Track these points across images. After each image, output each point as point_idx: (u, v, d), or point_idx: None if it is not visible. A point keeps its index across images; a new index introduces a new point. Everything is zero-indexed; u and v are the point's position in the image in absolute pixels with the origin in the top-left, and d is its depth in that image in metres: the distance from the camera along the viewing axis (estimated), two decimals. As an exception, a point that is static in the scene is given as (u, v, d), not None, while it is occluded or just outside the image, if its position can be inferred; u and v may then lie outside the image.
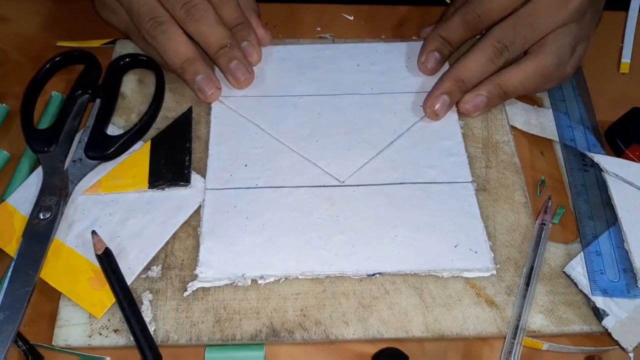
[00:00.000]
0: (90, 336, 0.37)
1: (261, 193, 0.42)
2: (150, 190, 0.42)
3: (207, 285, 0.38)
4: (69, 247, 0.40)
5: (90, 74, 0.47)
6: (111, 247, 0.39)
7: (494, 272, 0.39)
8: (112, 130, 0.45)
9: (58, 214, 0.40)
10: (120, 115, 0.46)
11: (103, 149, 0.43)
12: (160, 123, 0.46)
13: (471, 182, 0.43)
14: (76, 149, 0.43)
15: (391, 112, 0.46)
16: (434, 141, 0.45)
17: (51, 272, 0.39)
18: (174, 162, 0.43)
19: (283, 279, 0.39)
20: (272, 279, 0.39)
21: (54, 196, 0.41)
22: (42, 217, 0.40)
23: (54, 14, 0.54)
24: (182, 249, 0.40)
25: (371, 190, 0.42)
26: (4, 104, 0.47)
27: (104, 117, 0.45)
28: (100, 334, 0.37)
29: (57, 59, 0.47)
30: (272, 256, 0.39)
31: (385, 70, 0.49)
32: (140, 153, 0.44)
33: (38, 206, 0.40)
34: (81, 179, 0.42)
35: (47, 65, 0.47)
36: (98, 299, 0.38)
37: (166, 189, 0.42)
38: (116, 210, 0.41)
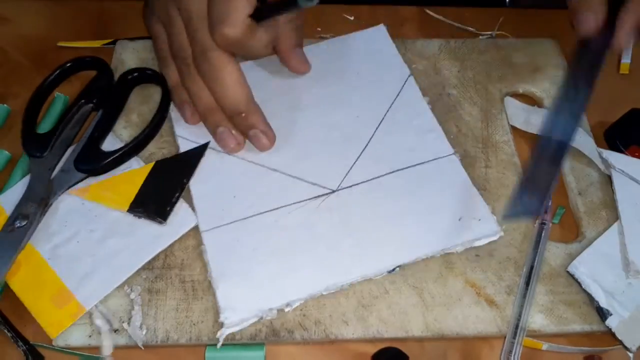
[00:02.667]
0: (90, 336, 0.37)
1: (259, 220, 0.40)
2: (128, 213, 0.41)
3: (237, 329, 0.37)
4: (42, 258, 0.39)
5: (99, 83, 0.46)
6: (83, 266, 0.38)
7: (501, 233, 0.40)
8: (114, 142, 0.44)
9: (34, 223, 0.39)
10: (125, 127, 0.46)
11: (93, 162, 0.42)
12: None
13: (453, 153, 0.43)
14: (67, 159, 0.43)
15: (358, 108, 0.46)
16: (407, 123, 0.45)
17: (19, 280, 0.38)
18: (163, 194, 0.41)
19: (310, 300, 0.38)
20: (298, 304, 0.38)
21: (34, 204, 0.40)
22: (17, 224, 0.39)
23: (54, 14, 0.54)
24: (182, 249, 0.40)
25: (364, 189, 0.42)
26: (4, 105, 0.47)
27: (102, 129, 0.44)
28: (100, 334, 0.37)
29: (68, 64, 0.47)
30: (291, 280, 0.38)
31: (334, 70, 0.48)
32: (138, 172, 0.42)
33: (16, 212, 0.40)
34: (66, 189, 0.41)
35: (57, 71, 0.46)
36: (56, 319, 0.37)
37: (142, 218, 0.40)
38: (98, 227, 0.40)
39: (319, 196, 0.41)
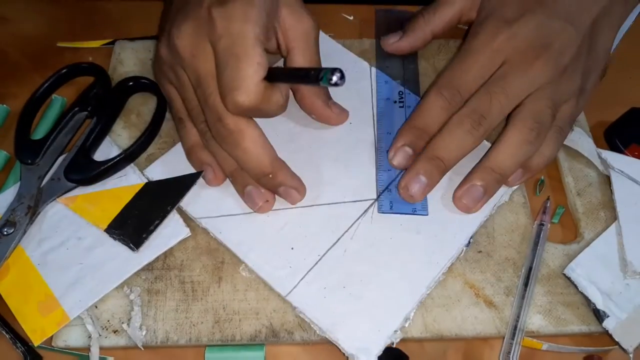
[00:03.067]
0: (89, 337, 0.37)
1: (329, 259, 0.39)
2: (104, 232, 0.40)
3: None
4: (32, 264, 0.39)
5: (96, 90, 0.46)
6: (72, 274, 0.39)
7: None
8: (109, 149, 0.44)
9: (20, 232, 0.39)
10: (121, 135, 0.45)
11: (83, 172, 0.42)
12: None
13: None
14: (58, 167, 0.42)
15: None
16: (400, 112, 0.45)
17: (8, 284, 0.38)
18: (144, 218, 0.40)
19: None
20: (413, 313, 0.38)
21: (23, 212, 0.40)
22: (5, 232, 0.39)
23: (54, 14, 0.54)
24: (181, 250, 0.40)
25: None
26: (4, 105, 0.47)
27: (95, 138, 0.43)
28: (100, 335, 0.37)
29: (64, 70, 0.47)
30: (394, 297, 0.37)
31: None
32: (126, 190, 0.42)
33: (4, 219, 0.40)
34: (54, 198, 0.41)
35: (53, 78, 0.46)
36: (40, 326, 0.37)
37: (117, 241, 0.40)
38: (87, 235, 0.40)
39: (367, 209, 0.41)
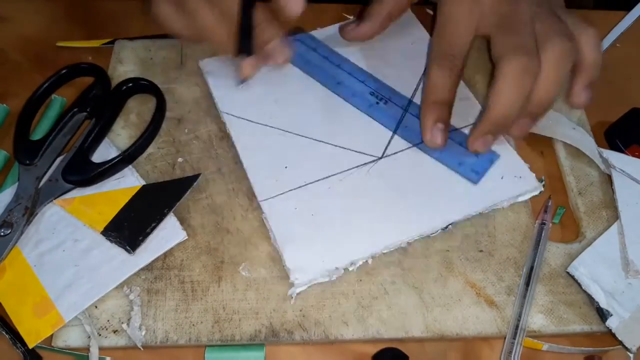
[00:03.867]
0: (89, 337, 0.37)
1: (313, 188, 0.42)
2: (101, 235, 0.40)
3: (304, 288, 0.38)
4: (28, 264, 0.39)
5: (95, 90, 0.46)
6: (67, 275, 0.38)
7: (542, 188, 0.42)
8: (108, 150, 0.44)
9: (17, 233, 0.39)
10: (120, 135, 0.45)
11: (81, 174, 0.42)
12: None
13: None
14: (56, 168, 0.42)
15: (393, 77, 0.47)
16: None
17: (4, 285, 0.38)
18: (140, 221, 0.40)
19: (370, 259, 0.40)
20: (360, 262, 0.39)
21: (20, 212, 0.40)
22: (2, 233, 0.39)
23: (54, 14, 0.54)
24: (181, 249, 0.40)
25: (409, 154, 0.43)
26: (3, 104, 0.47)
27: (93, 139, 0.43)
28: (100, 335, 0.37)
29: (63, 71, 0.46)
30: (352, 241, 0.40)
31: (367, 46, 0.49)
32: (122, 193, 0.42)
33: (1, 220, 0.40)
34: (52, 200, 0.41)
35: (53, 78, 0.46)
36: (35, 328, 0.37)
37: (113, 243, 0.40)
38: (84, 237, 0.40)
39: (366, 163, 0.43)
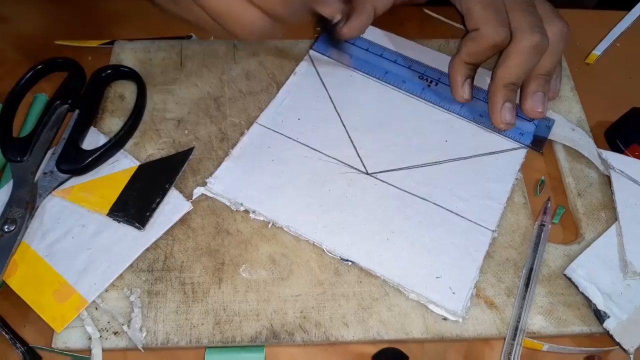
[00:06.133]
0: (90, 339, 0.37)
1: (296, 147, 0.44)
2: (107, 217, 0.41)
3: (209, 194, 0.42)
4: (39, 256, 0.39)
5: (72, 83, 0.46)
6: (81, 260, 0.39)
7: (460, 320, 0.38)
8: (97, 138, 0.44)
9: (22, 228, 0.39)
10: (106, 122, 0.46)
11: (75, 162, 0.42)
12: (160, 124, 0.46)
13: (493, 230, 0.41)
14: (49, 161, 0.43)
15: (453, 134, 0.46)
16: (481, 177, 0.43)
17: (18, 279, 0.38)
18: (144, 198, 0.41)
19: (271, 224, 0.41)
20: (261, 218, 0.41)
21: (21, 208, 0.40)
22: (6, 229, 0.39)
23: (54, 14, 0.54)
24: (181, 251, 0.40)
25: (391, 192, 0.42)
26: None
27: (81, 129, 0.44)
28: (100, 337, 0.37)
29: (39, 66, 0.47)
30: (272, 201, 0.41)
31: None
32: (121, 175, 0.42)
33: (4, 218, 0.40)
34: (50, 192, 0.41)
35: (29, 74, 0.46)
36: (59, 313, 0.37)
37: (121, 223, 0.40)
38: (90, 222, 0.41)
39: (353, 168, 0.43)
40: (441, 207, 0.42)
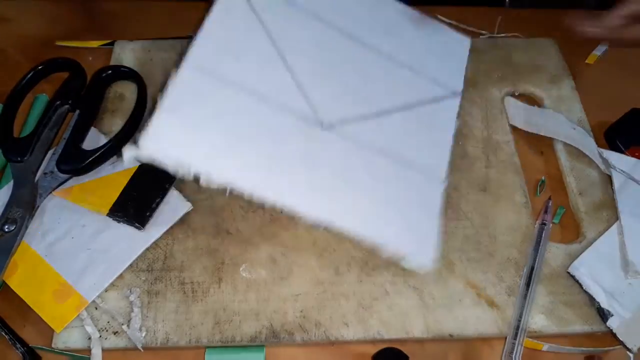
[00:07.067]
0: (89, 339, 0.37)
1: (240, 93, 0.37)
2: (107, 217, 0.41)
3: (143, 157, 0.34)
4: (39, 256, 0.39)
5: (73, 83, 0.46)
6: (81, 260, 0.39)
7: (430, 269, 0.38)
8: (97, 139, 0.44)
9: (22, 228, 0.40)
10: (107, 123, 0.46)
11: (75, 162, 0.42)
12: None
13: (444, 179, 0.40)
14: (49, 161, 0.43)
15: (405, 85, 0.43)
16: (428, 128, 0.42)
17: (18, 279, 0.38)
18: (143, 198, 0.41)
19: (228, 192, 0.35)
20: (215, 185, 0.35)
21: (21, 208, 0.40)
22: (6, 229, 0.39)
23: (54, 14, 0.54)
24: (181, 251, 0.40)
25: (349, 147, 0.39)
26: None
27: (81, 130, 0.44)
28: (100, 337, 0.37)
29: (40, 67, 0.47)
30: (226, 162, 0.36)
31: (415, 48, 0.46)
32: (121, 175, 0.42)
33: (4, 218, 0.40)
34: (50, 192, 0.41)
35: (30, 74, 0.46)
36: (59, 313, 0.37)
37: (121, 223, 0.40)
38: (90, 222, 0.41)
39: (308, 120, 0.39)
40: (395, 160, 0.40)
